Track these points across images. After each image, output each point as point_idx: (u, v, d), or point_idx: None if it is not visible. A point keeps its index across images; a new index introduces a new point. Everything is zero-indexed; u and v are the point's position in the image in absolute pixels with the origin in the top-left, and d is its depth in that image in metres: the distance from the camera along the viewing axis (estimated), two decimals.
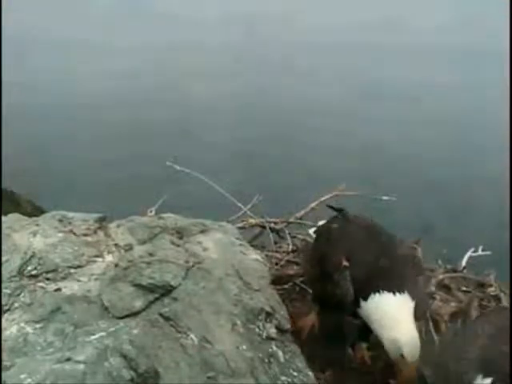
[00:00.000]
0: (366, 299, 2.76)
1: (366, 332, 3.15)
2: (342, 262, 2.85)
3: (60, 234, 2.66)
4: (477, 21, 16.46)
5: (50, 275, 2.42)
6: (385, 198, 4.82)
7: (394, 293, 2.73)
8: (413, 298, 2.77)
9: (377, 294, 2.74)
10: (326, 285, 2.92)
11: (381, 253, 2.89)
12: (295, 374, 2.38)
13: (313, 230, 3.69)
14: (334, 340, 3.18)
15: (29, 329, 2.17)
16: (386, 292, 2.73)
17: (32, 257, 2.48)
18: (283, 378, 2.31)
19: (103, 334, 2.12)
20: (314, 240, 3.46)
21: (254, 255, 2.85)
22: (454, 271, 4.26)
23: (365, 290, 2.77)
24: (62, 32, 15.44)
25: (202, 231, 2.86)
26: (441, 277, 4.02)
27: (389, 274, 2.80)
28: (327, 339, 3.18)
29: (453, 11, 17.68)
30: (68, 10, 17.25)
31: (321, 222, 3.61)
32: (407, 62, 14.34)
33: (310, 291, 3.47)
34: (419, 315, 2.90)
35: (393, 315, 2.71)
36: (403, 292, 2.74)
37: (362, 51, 14.83)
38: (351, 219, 3.23)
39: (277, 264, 3.90)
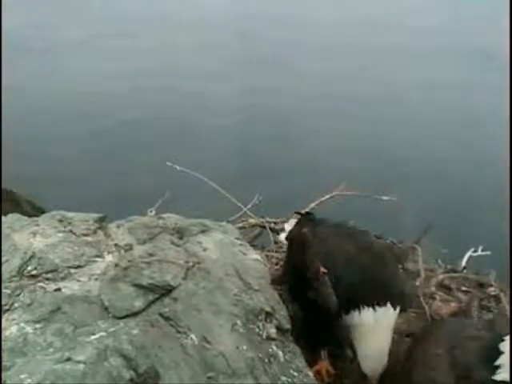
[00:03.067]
0: (346, 313, 2.77)
1: None
2: (319, 269, 2.85)
3: (60, 234, 2.66)
4: (476, 21, 16.45)
5: (49, 275, 2.42)
6: (385, 198, 4.82)
7: (373, 307, 2.73)
8: (395, 304, 2.77)
9: (356, 311, 2.74)
10: (307, 293, 2.92)
11: (357, 251, 2.90)
12: (295, 374, 2.38)
13: (283, 236, 3.64)
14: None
15: (29, 329, 2.17)
16: (365, 307, 2.74)
17: (32, 257, 2.48)
18: (283, 378, 2.31)
19: (103, 333, 2.12)
20: (287, 248, 3.44)
21: (254, 255, 2.85)
22: (454, 271, 4.26)
23: (343, 304, 2.77)
24: (61, 33, 15.44)
25: (202, 231, 2.86)
26: (441, 277, 4.02)
27: (368, 284, 2.78)
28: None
29: (452, 11, 17.67)
30: (67, 10, 17.24)
31: (287, 225, 3.58)
32: (407, 62, 14.34)
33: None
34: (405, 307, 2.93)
35: (366, 331, 2.71)
36: (384, 305, 2.74)
37: (360, 51, 14.82)
38: (319, 221, 3.27)
39: (277, 264, 3.90)
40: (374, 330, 2.73)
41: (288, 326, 2.57)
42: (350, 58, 14.57)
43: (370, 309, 2.73)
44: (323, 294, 2.80)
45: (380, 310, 2.73)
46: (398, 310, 2.80)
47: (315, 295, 2.85)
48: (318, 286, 2.83)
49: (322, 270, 2.84)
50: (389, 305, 2.75)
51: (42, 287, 2.36)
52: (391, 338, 2.77)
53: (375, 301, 2.74)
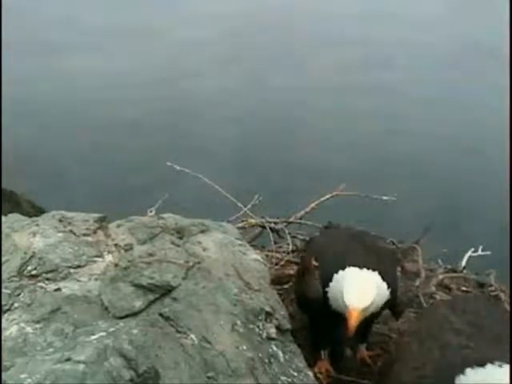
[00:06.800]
0: (331, 280, 2.77)
1: (362, 333, 3.15)
2: (311, 262, 2.89)
3: (60, 234, 2.66)
4: (473, 12, 16.39)
5: (50, 275, 2.42)
6: (385, 198, 4.81)
7: (360, 267, 2.73)
8: (388, 283, 2.76)
9: (341, 271, 2.74)
10: (298, 286, 2.98)
11: (356, 245, 2.92)
12: (295, 374, 2.38)
13: None
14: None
15: (29, 329, 2.17)
16: (352, 267, 2.73)
17: (32, 257, 2.48)
18: (283, 378, 2.31)
19: (103, 333, 2.12)
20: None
21: (254, 255, 2.85)
22: (454, 271, 4.26)
23: (331, 272, 2.77)
24: (61, 34, 15.42)
25: (202, 231, 2.86)
26: (441, 277, 4.02)
27: (360, 258, 2.79)
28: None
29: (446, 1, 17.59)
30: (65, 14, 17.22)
31: None
32: (407, 57, 14.31)
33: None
34: (400, 309, 2.93)
35: (352, 279, 2.70)
36: (373, 270, 2.74)
37: (363, 45, 14.76)
38: (334, 226, 3.37)
39: (277, 264, 3.90)
40: (359, 274, 2.71)
41: (288, 326, 2.57)
42: (351, 52, 14.52)
43: (356, 268, 2.73)
44: (311, 284, 2.85)
45: (366, 270, 2.72)
46: (386, 285, 2.76)
47: (304, 288, 2.90)
48: (308, 279, 2.88)
49: (314, 263, 2.89)
50: (377, 272, 2.73)
51: (41, 287, 2.36)
52: (379, 299, 2.72)
53: (361, 264, 2.74)
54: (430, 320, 2.53)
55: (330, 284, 2.77)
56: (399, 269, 2.94)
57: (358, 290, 2.63)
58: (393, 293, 2.82)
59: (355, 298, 2.61)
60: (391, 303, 2.87)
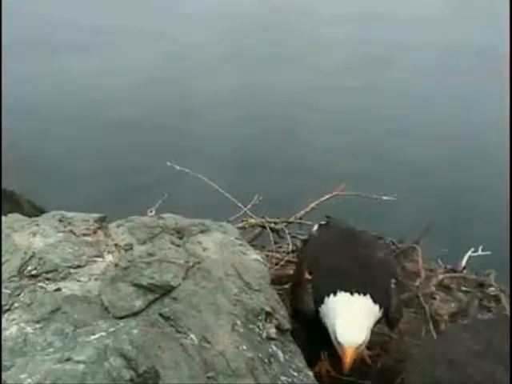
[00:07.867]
0: (322, 302, 2.71)
1: None
2: (304, 276, 2.84)
3: (60, 234, 2.66)
4: (473, 12, 16.37)
5: (49, 275, 2.42)
6: (385, 198, 4.80)
7: (351, 293, 2.66)
8: (380, 303, 2.70)
9: (332, 295, 2.68)
10: (292, 297, 2.95)
11: (349, 257, 2.86)
12: (295, 374, 2.38)
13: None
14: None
15: (29, 329, 2.17)
16: (343, 292, 2.67)
17: (32, 257, 2.48)
18: (283, 378, 2.31)
19: (103, 333, 2.12)
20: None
21: (254, 255, 2.85)
22: (454, 271, 4.26)
23: (322, 294, 2.71)
24: (61, 34, 15.42)
25: (202, 231, 2.86)
26: (441, 277, 4.02)
27: (352, 277, 2.73)
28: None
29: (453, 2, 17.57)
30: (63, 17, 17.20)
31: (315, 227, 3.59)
32: (407, 57, 14.30)
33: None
34: (393, 324, 2.89)
35: (341, 305, 2.64)
36: (364, 294, 2.67)
37: (361, 45, 14.76)
38: (331, 225, 3.28)
39: (277, 264, 3.90)
40: (350, 303, 2.63)
41: (288, 326, 2.57)
42: (350, 52, 14.52)
43: (347, 293, 2.66)
44: (302, 300, 2.79)
45: (357, 296, 2.65)
46: (378, 306, 2.70)
47: (296, 302, 2.86)
48: (300, 294, 2.83)
49: (307, 276, 2.83)
50: (368, 296, 2.66)
51: (42, 287, 2.36)
52: (371, 324, 2.66)
53: (353, 287, 2.67)
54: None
55: (322, 306, 2.71)
56: (394, 280, 2.88)
57: (351, 326, 2.57)
58: (385, 310, 2.77)
59: (349, 335, 2.54)
60: (385, 316, 2.84)
